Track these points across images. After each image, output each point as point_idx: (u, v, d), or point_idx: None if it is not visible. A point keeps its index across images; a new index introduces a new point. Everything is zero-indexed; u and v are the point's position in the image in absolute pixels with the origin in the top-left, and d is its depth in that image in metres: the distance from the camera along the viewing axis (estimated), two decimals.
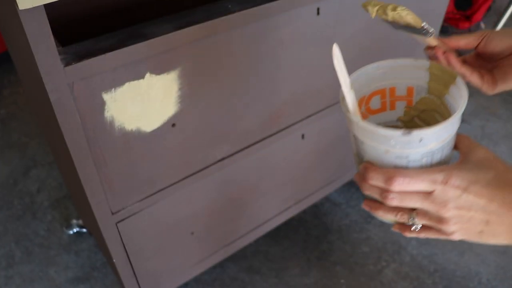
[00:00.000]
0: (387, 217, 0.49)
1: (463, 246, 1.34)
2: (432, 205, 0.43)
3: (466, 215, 0.43)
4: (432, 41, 0.53)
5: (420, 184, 0.43)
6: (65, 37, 0.77)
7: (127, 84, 0.66)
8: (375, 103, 0.56)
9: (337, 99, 1.10)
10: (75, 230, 1.34)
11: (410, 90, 0.55)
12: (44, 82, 0.57)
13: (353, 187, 1.52)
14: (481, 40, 0.54)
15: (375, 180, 0.45)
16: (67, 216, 1.41)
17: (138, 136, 0.73)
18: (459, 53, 0.55)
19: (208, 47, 0.71)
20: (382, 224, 1.40)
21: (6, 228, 1.37)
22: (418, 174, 0.43)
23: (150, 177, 0.81)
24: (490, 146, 1.69)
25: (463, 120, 1.81)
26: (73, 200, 1.41)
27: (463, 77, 0.51)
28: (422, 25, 0.51)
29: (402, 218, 0.46)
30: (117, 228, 0.83)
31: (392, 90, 0.56)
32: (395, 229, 0.49)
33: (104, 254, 1.22)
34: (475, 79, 0.53)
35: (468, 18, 2.33)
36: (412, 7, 1.07)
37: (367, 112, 0.56)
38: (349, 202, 1.46)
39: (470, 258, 1.32)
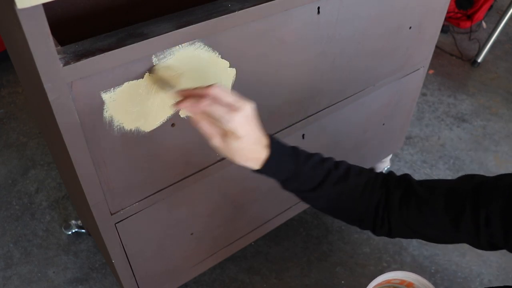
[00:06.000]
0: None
1: (464, 247, 1.34)
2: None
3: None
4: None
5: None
6: (64, 36, 0.77)
7: (126, 84, 0.65)
8: None
9: (337, 99, 1.10)
10: (74, 230, 1.34)
11: None
12: (42, 82, 0.56)
13: None
14: None
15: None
16: (66, 216, 1.40)
17: (137, 136, 0.73)
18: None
19: (207, 47, 0.71)
20: None
21: (5, 229, 1.37)
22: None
23: (149, 178, 0.80)
24: (491, 146, 1.69)
25: (465, 120, 1.81)
26: (72, 200, 1.41)
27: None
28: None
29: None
30: (116, 228, 0.83)
31: None
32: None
33: (103, 255, 1.21)
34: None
35: (470, 17, 2.32)
36: (414, 7, 1.07)
37: None
38: None
39: (472, 259, 1.31)
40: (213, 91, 0.62)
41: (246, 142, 0.64)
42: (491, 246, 0.65)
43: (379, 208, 0.70)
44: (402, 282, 0.98)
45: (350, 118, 1.16)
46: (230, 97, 0.63)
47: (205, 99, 0.61)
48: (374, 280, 0.93)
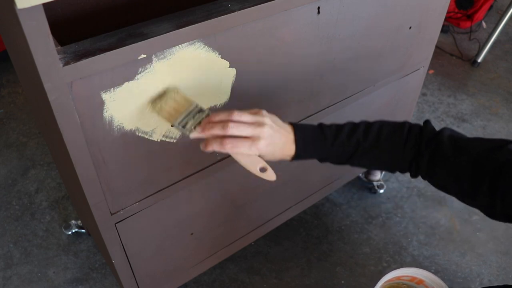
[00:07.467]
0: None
1: (464, 247, 1.34)
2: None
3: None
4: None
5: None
6: (64, 36, 0.77)
7: (126, 84, 0.65)
8: None
9: (337, 99, 1.10)
10: (74, 230, 1.34)
11: None
12: (42, 82, 0.56)
13: (353, 188, 1.51)
14: None
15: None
16: (66, 216, 1.40)
17: (137, 136, 0.72)
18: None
19: (207, 47, 0.71)
20: (383, 224, 1.39)
21: (5, 229, 1.37)
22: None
23: (149, 177, 0.80)
24: None
25: (465, 120, 1.81)
26: (72, 200, 1.41)
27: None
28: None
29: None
30: (116, 228, 0.83)
31: None
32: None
33: (103, 255, 1.21)
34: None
35: (470, 17, 2.32)
36: (414, 7, 1.07)
37: None
38: (349, 203, 1.46)
39: (472, 259, 1.31)
40: (234, 117, 0.68)
41: (276, 143, 0.70)
42: (508, 218, 0.67)
43: (412, 165, 0.76)
44: (412, 279, 0.98)
45: (350, 118, 1.15)
46: (248, 116, 0.69)
47: (229, 123, 0.67)
48: (384, 277, 0.93)
